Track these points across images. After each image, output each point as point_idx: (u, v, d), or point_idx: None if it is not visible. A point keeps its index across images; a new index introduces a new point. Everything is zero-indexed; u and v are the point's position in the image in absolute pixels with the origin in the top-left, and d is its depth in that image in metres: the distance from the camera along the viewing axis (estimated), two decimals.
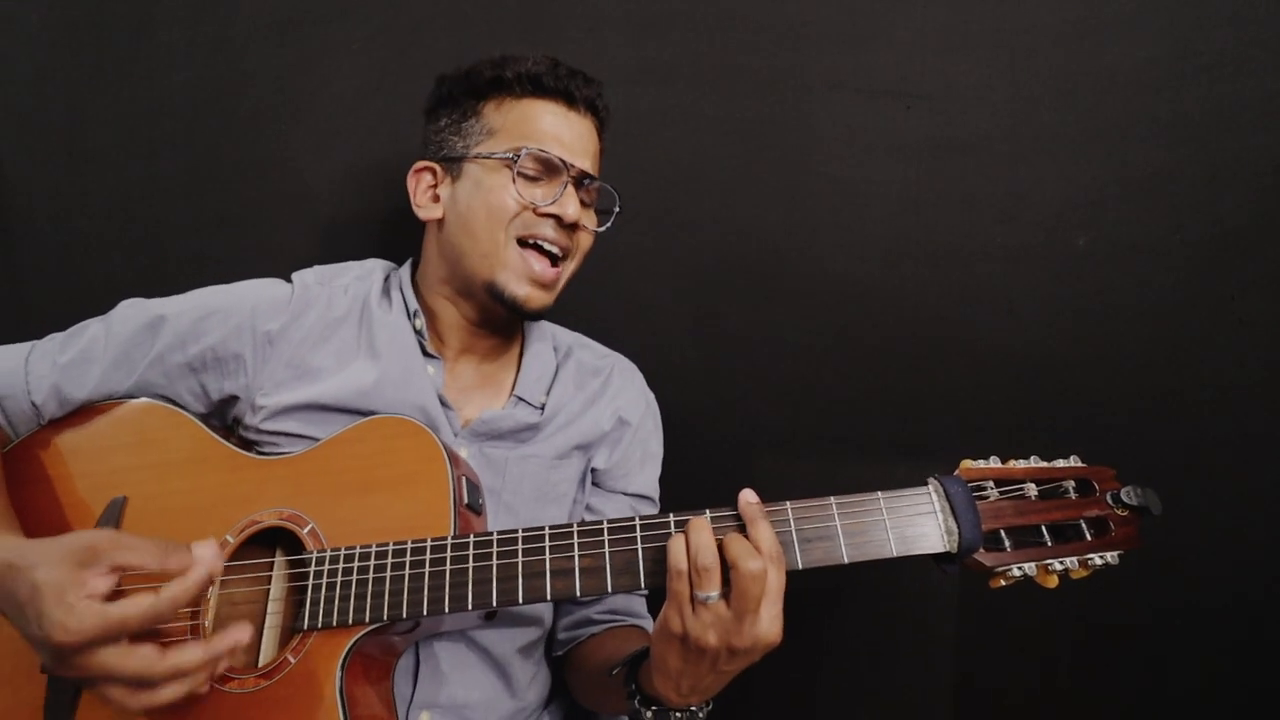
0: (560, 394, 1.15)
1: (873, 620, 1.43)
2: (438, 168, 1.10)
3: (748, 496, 0.83)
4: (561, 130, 1.07)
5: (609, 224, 1.14)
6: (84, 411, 1.02)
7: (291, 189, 1.43)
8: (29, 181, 1.44)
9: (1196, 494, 1.35)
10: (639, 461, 1.19)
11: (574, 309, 1.27)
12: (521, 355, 1.17)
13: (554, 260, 1.07)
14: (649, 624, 1.16)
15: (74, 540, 0.78)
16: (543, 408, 1.12)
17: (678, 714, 0.88)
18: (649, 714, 0.88)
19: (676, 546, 0.80)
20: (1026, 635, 1.39)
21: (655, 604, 1.19)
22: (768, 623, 0.78)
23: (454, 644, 1.02)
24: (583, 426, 1.14)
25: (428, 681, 0.99)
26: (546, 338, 1.20)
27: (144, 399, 1.02)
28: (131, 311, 1.05)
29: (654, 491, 1.21)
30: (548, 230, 1.05)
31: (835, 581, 1.44)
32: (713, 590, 0.78)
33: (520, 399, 1.11)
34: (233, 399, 1.04)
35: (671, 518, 0.84)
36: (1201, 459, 1.35)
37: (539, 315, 1.09)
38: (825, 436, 1.41)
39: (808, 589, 1.43)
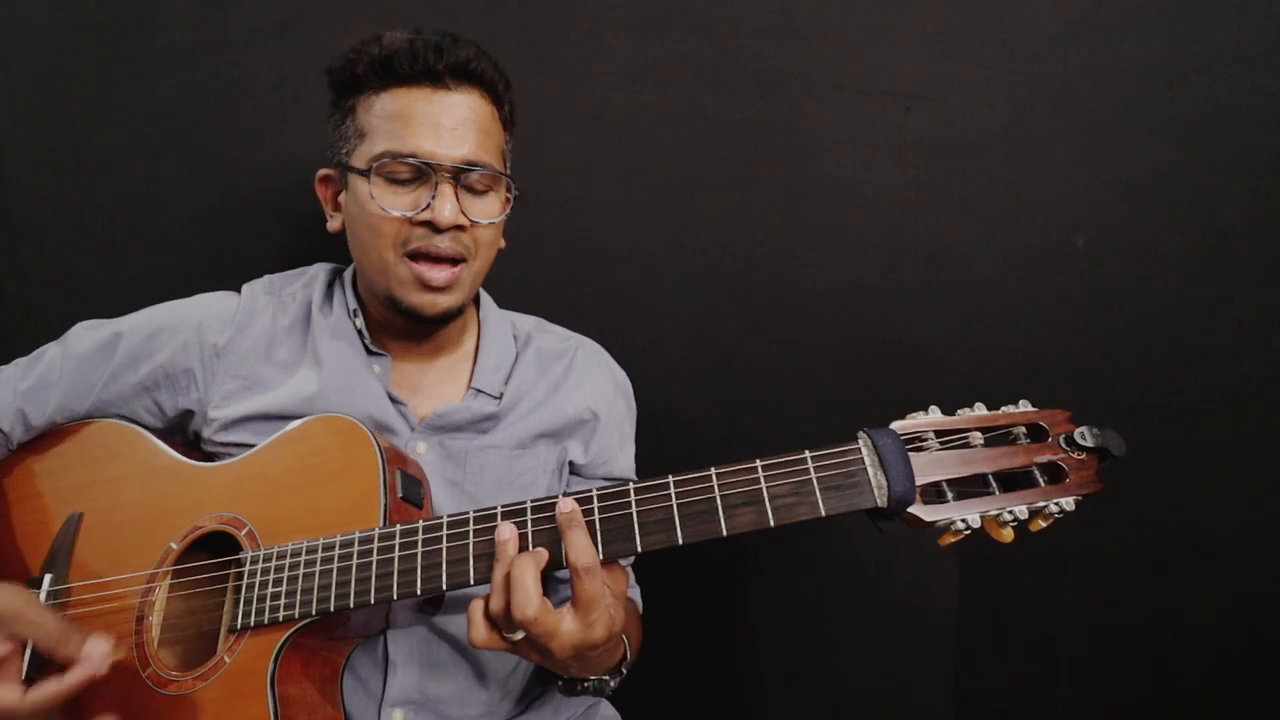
0: (520, 381, 1.12)
1: (872, 620, 1.44)
2: (334, 174, 1.06)
3: (562, 506, 0.81)
4: (428, 120, 0.96)
5: (508, 211, 1.04)
6: (49, 434, 1.06)
7: (291, 189, 1.43)
8: (32, 182, 1.44)
9: (1196, 494, 1.35)
10: (617, 445, 1.18)
11: (574, 309, 1.27)
12: (478, 345, 1.14)
13: (453, 263, 1.00)
14: (637, 593, 1.18)
15: None
16: (501, 397, 1.10)
17: (586, 684, 0.92)
18: (558, 686, 0.94)
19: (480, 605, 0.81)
20: (1026, 635, 1.39)
21: (646, 574, 1.19)
22: (579, 633, 0.78)
23: (422, 639, 1.01)
24: (545, 415, 1.11)
25: (398, 678, 0.99)
26: (505, 326, 1.17)
27: (104, 419, 1.06)
28: (85, 334, 1.07)
29: (632, 471, 1.21)
30: (433, 240, 0.97)
31: (834, 582, 1.44)
32: (515, 631, 0.79)
33: (479, 390, 1.09)
34: (189, 414, 1.06)
35: (595, 493, 0.83)
36: (1201, 459, 1.35)
37: (446, 319, 1.04)
38: (825, 437, 1.40)
39: (806, 589, 1.44)
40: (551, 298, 1.37)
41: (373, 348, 1.08)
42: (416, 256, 0.99)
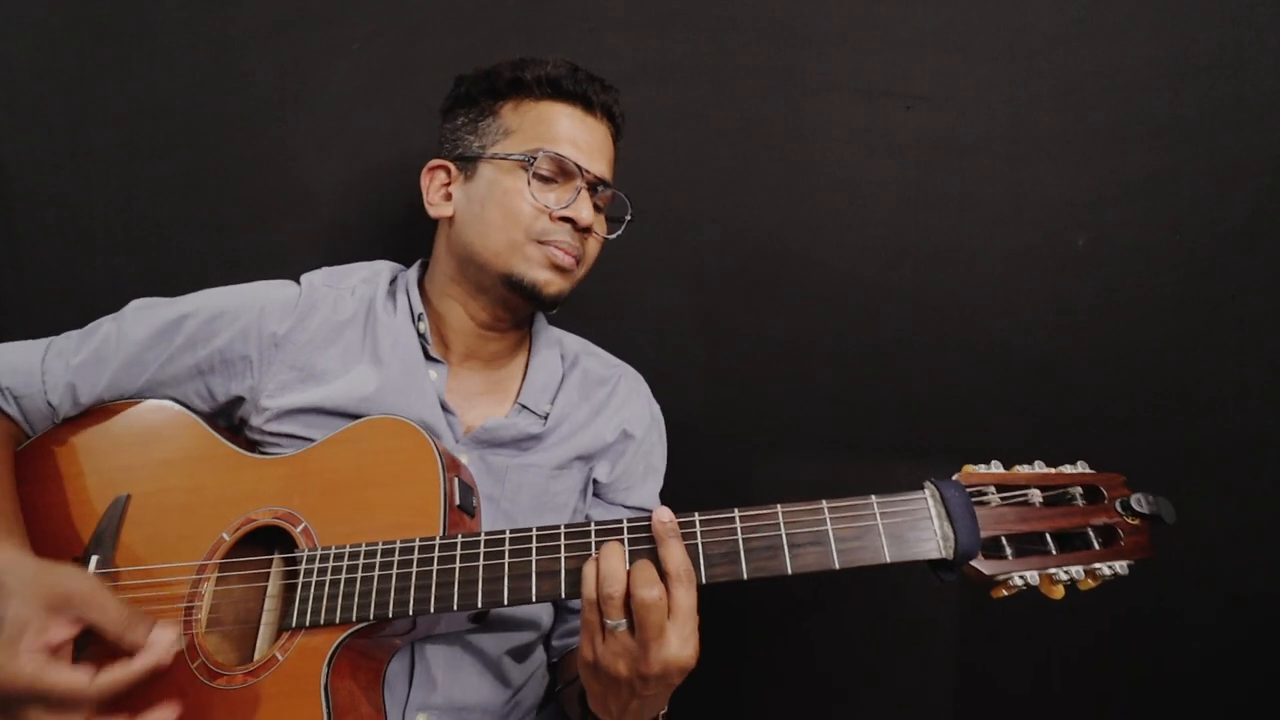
0: (565, 403, 1.14)
1: (873, 620, 1.44)
2: (452, 166, 1.10)
3: (661, 515, 0.81)
4: (578, 134, 1.07)
5: (620, 231, 1.15)
6: (96, 411, 1.04)
7: (292, 189, 1.43)
8: (32, 182, 1.44)
9: (1197, 494, 1.35)
10: (641, 475, 1.19)
11: (574, 309, 1.27)
12: (528, 362, 1.17)
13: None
14: None
15: (56, 580, 0.81)
16: (546, 416, 1.12)
17: None
18: None
19: (588, 573, 0.80)
20: (1026, 635, 1.39)
21: None
22: (676, 647, 0.77)
23: (448, 646, 1.02)
24: (585, 438, 1.14)
25: (423, 683, 0.99)
26: (554, 344, 1.20)
27: (153, 400, 1.04)
28: (143, 313, 1.06)
29: (655, 505, 1.20)
30: (562, 235, 1.05)
31: (834, 580, 1.44)
32: (620, 618, 0.78)
33: (524, 407, 1.11)
34: (238, 400, 1.05)
35: None
36: (1201, 459, 1.35)
37: (555, 304, 1.09)
38: (825, 437, 1.41)
39: (806, 587, 1.44)
40: None
41: (432, 354, 1.09)
42: (542, 245, 1.06)
